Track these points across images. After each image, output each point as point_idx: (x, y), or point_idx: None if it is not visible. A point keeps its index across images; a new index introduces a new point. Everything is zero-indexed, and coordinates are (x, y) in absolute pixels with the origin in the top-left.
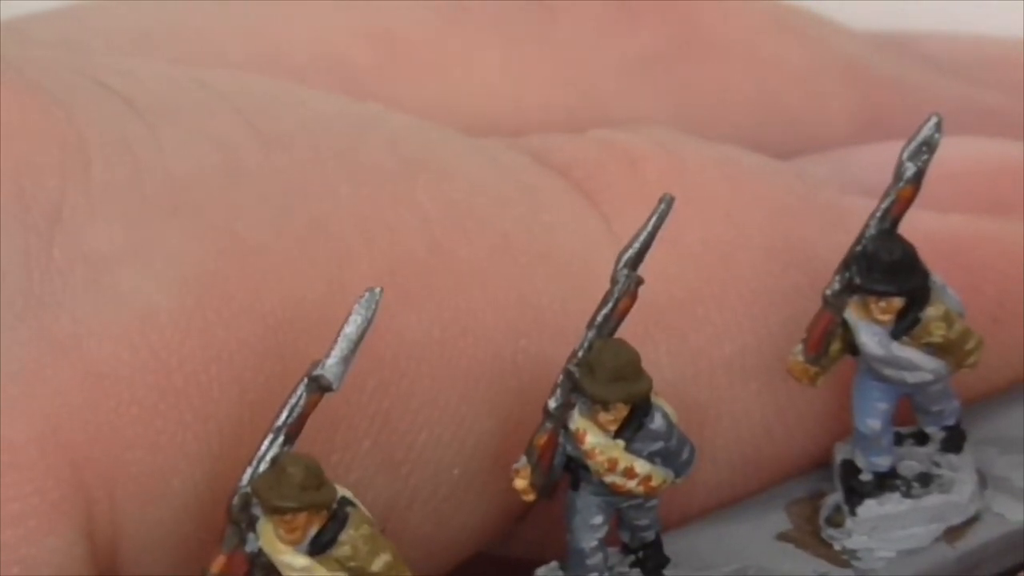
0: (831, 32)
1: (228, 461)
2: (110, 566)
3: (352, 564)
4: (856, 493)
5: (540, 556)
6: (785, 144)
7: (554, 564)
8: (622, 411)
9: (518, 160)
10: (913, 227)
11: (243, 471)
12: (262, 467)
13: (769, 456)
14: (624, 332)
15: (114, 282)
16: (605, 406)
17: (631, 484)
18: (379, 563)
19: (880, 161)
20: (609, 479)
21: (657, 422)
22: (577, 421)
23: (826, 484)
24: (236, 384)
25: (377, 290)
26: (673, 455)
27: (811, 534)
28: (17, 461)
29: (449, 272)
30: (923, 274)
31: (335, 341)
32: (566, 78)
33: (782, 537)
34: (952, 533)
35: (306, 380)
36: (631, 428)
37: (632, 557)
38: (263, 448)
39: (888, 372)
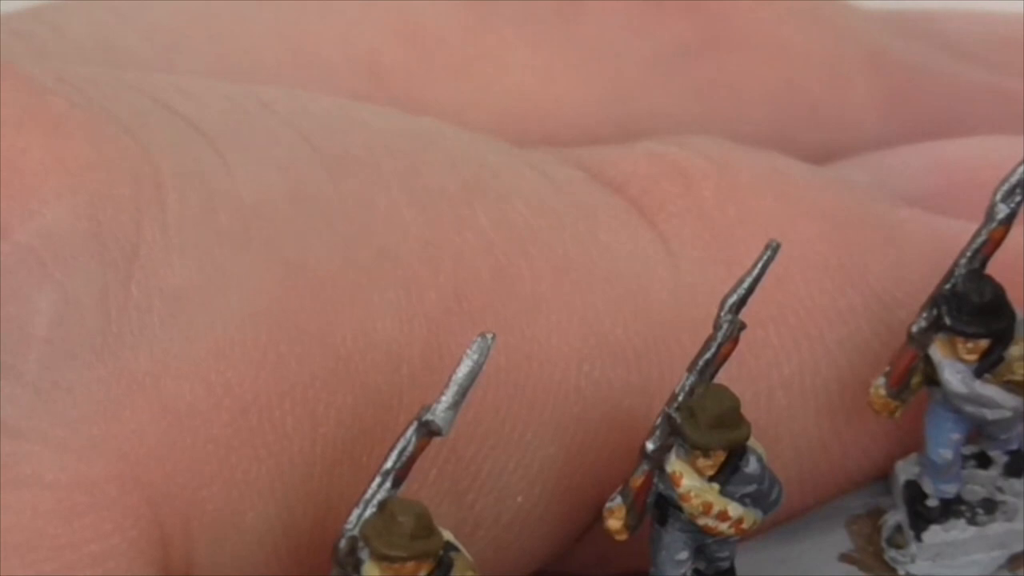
0: (854, 20)
1: (300, 494)
2: None
3: None
4: (922, 518)
5: (598, 572)
6: (812, 132)
7: None
8: (720, 457)
9: (573, 176)
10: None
11: (318, 505)
12: (369, 510)
13: (826, 473)
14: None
15: (189, 317)
16: (705, 452)
17: (723, 526)
18: None
19: (919, 166)
20: (703, 521)
21: (752, 466)
22: (674, 464)
23: (884, 499)
24: (308, 418)
25: (489, 336)
26: (764, 496)
27: (873, 555)
28: (97, 501)
29: (513, 297)
30: (1011, 315)
31: (446, 386)
32: (595, 75)
33: (845, 558)
34: (1015, 561)
35: (416, 424)
36: (727, 472)
37: None
38: (371, 491)
39: (969, 409)
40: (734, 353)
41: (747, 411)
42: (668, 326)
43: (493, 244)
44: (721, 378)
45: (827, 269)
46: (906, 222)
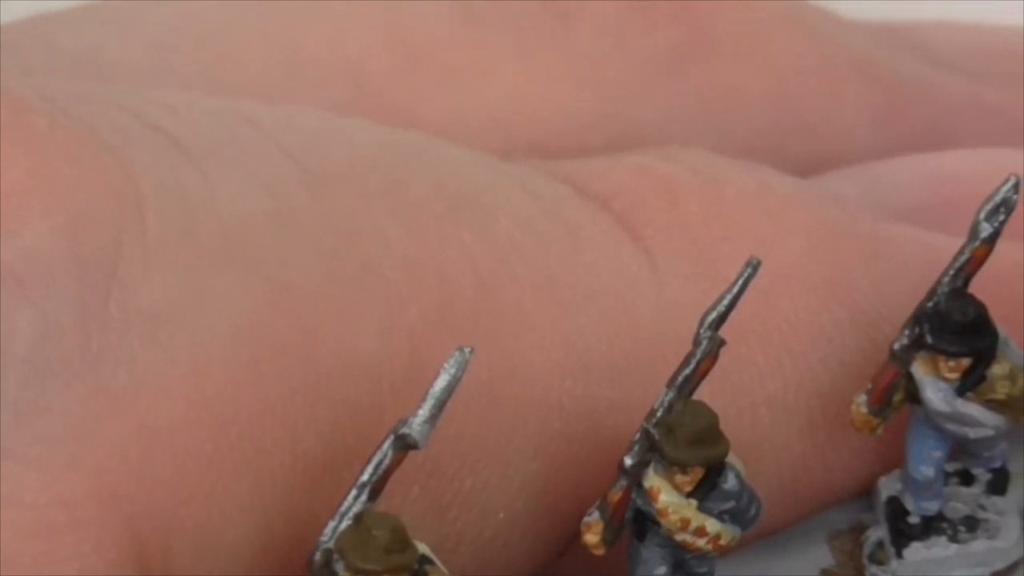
0: (843, 29)
1: (280, 510)
2: None
3: None
4: (903, 535)
5: None
6: (801, 140)
7: None
8: (698, 473)
9: (558, 191)
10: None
11: (298, 521)
12: (344, 523)
13: (807, 490)
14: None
15: (169, 335)
16: (683, 468)
17: (701, 542)
18: None
19: (906, 179)
20: (680, 537)
21: (730, 482)
22: (652, 479)
23: (866, 515)
24: (288, 435)
25: (467, 350)
26: (742, 512)
27: (854, 570)
28: (75, 520)
29: (496, 314)
30: (993, 334)
31: (423, 399)
32: (583, 81)
33: (826, 574)
34: None
35: (392, 437)
36: (705, 488)
37: None
38: (347, 504)
39: (950, 427)
40: (718, 369)
41: (730, 427)
42: (652, 343)
43: (476, 260)
44: (704, 394)
45: (812, 286)
46: (893, 238)
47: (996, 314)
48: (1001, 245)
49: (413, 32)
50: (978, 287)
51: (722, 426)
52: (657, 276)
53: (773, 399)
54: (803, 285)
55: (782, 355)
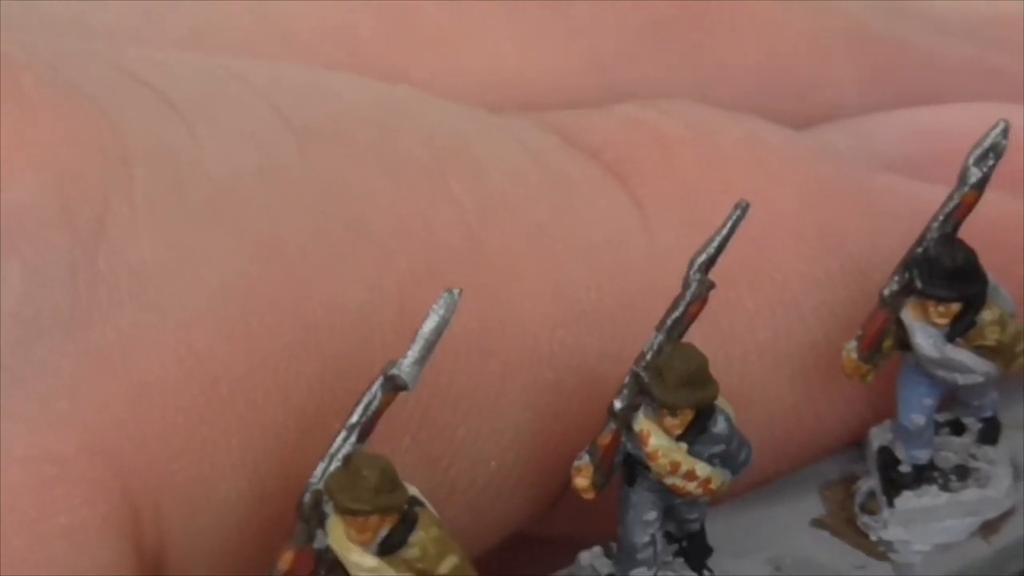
0: None
1: (271, 465)
2: (157, 571)
3: (420, 566)
4: (895, 484)
5: (573, 535)
6: (793, 106)
7: (597, 550)
8: (688, 416)
9: (549, 142)
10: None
11: (289, 475)
12: (334, 464)
13: (799, 439)
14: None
15: (158, 292)
16: (672, 411)
17: (691, 486)
18: (447, 565)
19: (899, 132)
20: (670, 481)
21: (720, 426)
22: (641, 423)
23: (857, 466)
24: (278, 389)
25: (456, 291)
26: (732, 456)
27: (846, 521)
28: (66, 474)
29: (486, 265)
30: (983, 280)
31: (412, 340)
32: (575, 44)
33: (817, 523)
34: (988, 527)
35: (382, 379)
36: (694, 431)
37: (676, 546)
38: (336, 445)
39: (940, 373)
40: (708, 317)
41: (720, 374)
42: (643, 292)
43: (465, 212)
44: (695, 341)
45: (804, 235)
46: (884, 188)
47: (987, 263)
48: (990, 194)
49: None
50: (968, 235)
51: (712, 373)
52: (648, 225)
53: (764, 347)
54: (795, 234)
55: (773, 303)
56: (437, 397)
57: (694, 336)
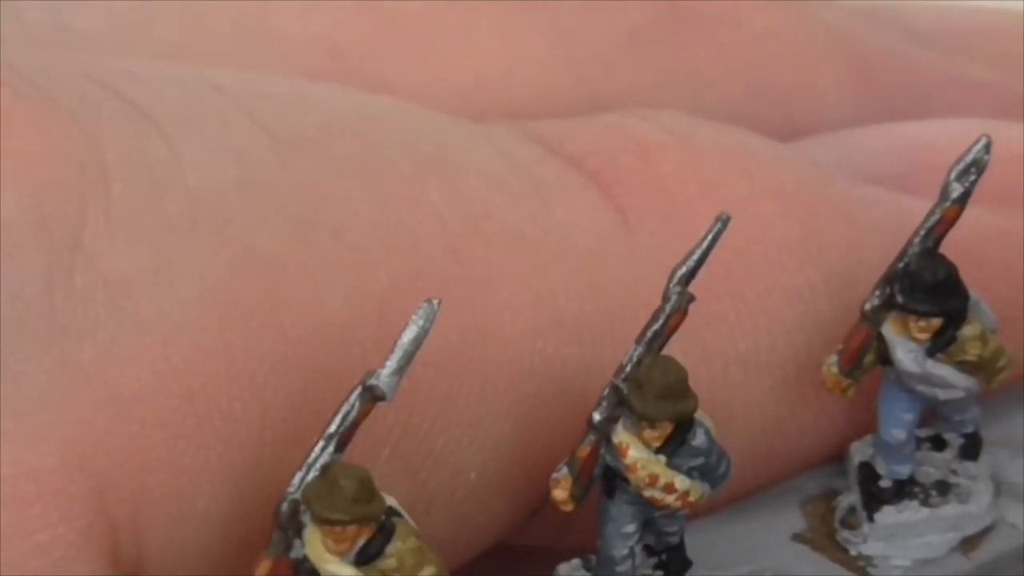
0: (819, 4)
1: (250, 478)
2: None
3: None
4: (875, 499)
5: (553, 546)
6: (778, 115)
7: (576, 562)
8: (667, 428)
9: (531, 151)
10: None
11: (268, 488)
12: (312, 474)
13: (781, 453)
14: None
15: (135, 305)
16: (651, 423)
17: (669, 499)
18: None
19: (883, 146)
20: (648, 493)
21: (699, 439)
22: (620, 435)
23: (839, 481)
24: (257, 402)
25: (435, 302)
26: (711, 469)
27: (826, 536)
28: (43, 490)
29: (466, 275)
30: (964, 295)
31: (391, 351)
32: (559, 51)
33: (797, 538)
34: (968, 543)
35: (360, 389)
36: (673, 444)
37: (655, 559)
38: (314, 455)
39: (921, 388)
40: (689, 328)
41: (701, 387)
42: (624, 302)
43: (446, 222)
44: (675, 352)
45: (787, 247)
46: (867, 201)
47: (969, 279)
48: (970, 211)
49: (388, 2)
50: (950, 251)
51: (693, 385)
52: (630, 234)
53: (745, 359)
54: (777, 246)
55: (755, 315)
56: (417, 408)
57: (675, 348)
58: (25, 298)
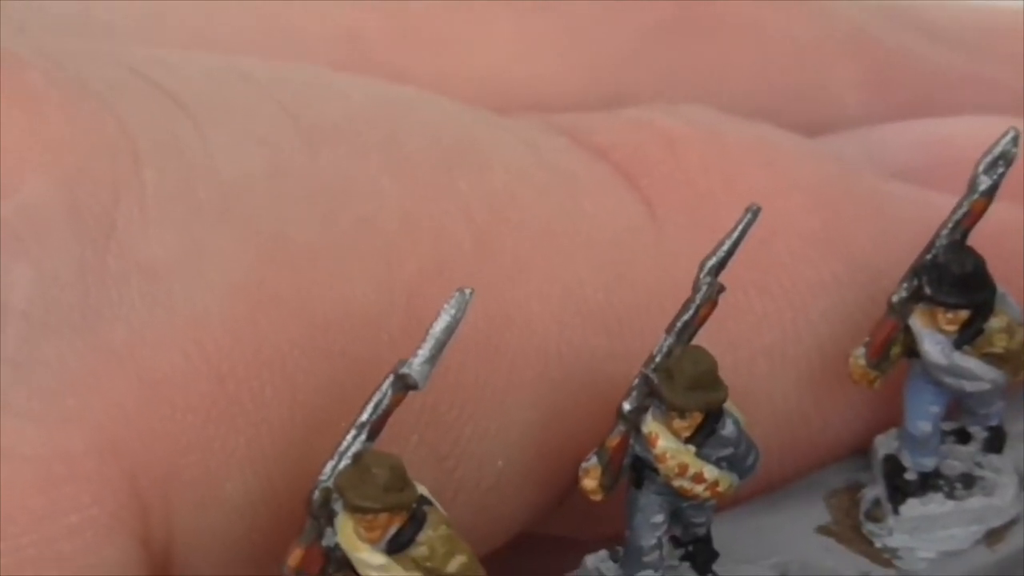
0: (835, 3)
1: (279, 462)
2: (164, 569)
3: (428, 564)
4: (900, 491)
5: (580, 536)
6: (794, 112)
7: (603, 553)
8: (697, 418)
9: (556, 143)
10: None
11: (297, 473)
12: (344, 462)
13: (806, 444)
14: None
15: (167, 290)
16: (681, 413)
17: (698, 488)
18: (455, 564)
19: (908, 141)
20: (678, 483)
21: (728, 429)
22: (650, 425)
23: (863, 474)
24: (287, 386)
25: (467, 291)
26: (740, 460)
27: (851, 528)
28: (75, 472)
29: (494, 264)
30: (991, 287)
31: (423, 340)
32: (577, 48)
33: (822, 531)
34: (992, 536)
35: (392, 377)
36: (703, 434)
37: (682, 551)
38: (346, 443)
39: (948, 380)
40: (715, 318)
41: (727, 377)
42: (651, 292)
43: (473, 212)
44: (702, 343)
45: (812, 239)
46: (892, 194)
47: (994, 272)
48: (998, 204)
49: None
50: (976, 243)
51: (719, 375)
52: (656, 225)
53: (771, 350)
54: (803, 238)
55: (781, 306)
56: (445, 396)
57: (701, 339)
58: (59, 282)
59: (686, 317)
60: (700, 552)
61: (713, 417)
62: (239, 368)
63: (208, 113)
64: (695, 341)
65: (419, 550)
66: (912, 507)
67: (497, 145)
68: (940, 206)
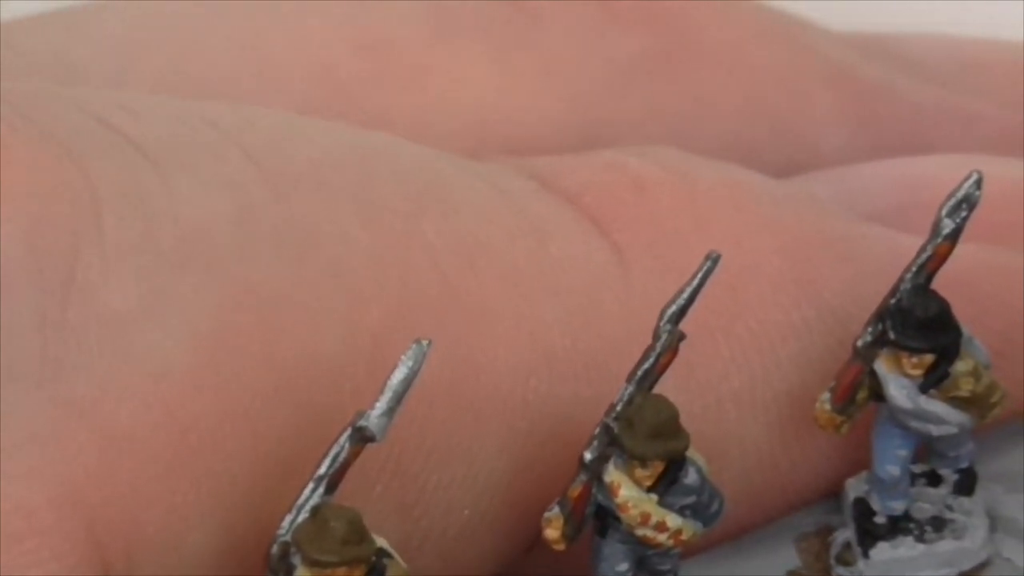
0: (816, 36)
1: (243, 514)
2: None
3: None
4: (870, 535)
5: None
6: (773, 148)
7: None
8: (659, 467)
9: (525, 187)
10: None
11: (260, 524)
12: (302, 516)
13: (775, 489)
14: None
15: (128, 341)
16: (643, 462)
17: (662, 537)
18: None
19: (882, 182)
20: (640, 532)
21: (691, 477)
22: (612, 474)
23: (833, 517)
24: (250, 437)
25: (424, 342)
26: (704, 507)
27: (821, 572)
28: (35, 526)
29: (460, 310)
30: (956, 331)
31: (381, 392)
32: (555, 83)
33: (792, 575)
34: None
35: (350, 430)
36: (665, 482)
37: None
38: (304, 496)
39: (914, 424)
40: (683, 364)
41: (695, 423)
42: (619, 338)
43: (440, 258)
44: (669, 388)
45: (782, 283)
46: (864, 237)
47: (961, 316)
48: (963, 247)
49: (383, 34)
50: (941, 287)
51: (687, 422)
52: (625, 271)
53: (739, 395)
54: (772, 282)
55: (749, 351)
56: (410, 445)
57: (668, 383)
58: (18, 334)
59: (647, 365)
60: None
61: (675, 465)
62: (201, 419)
63: (171, 160)
64: (661, 386)
65: None
66: (882, 551)
67: (465, 190)
68: (911, 249)
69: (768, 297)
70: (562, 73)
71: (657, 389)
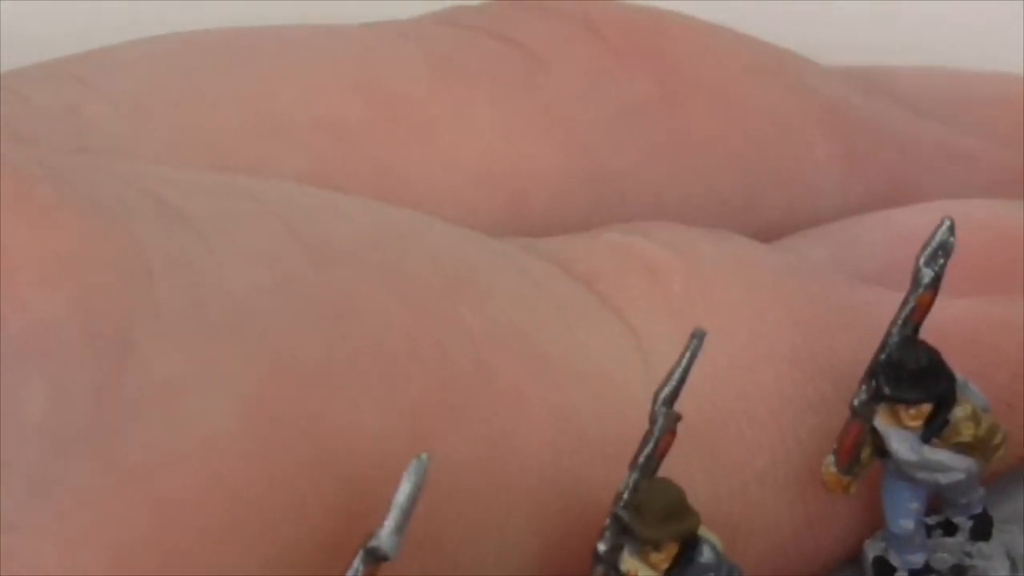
0: (814, 75)
1: None
2: None
3: None
4: None
5: None
6: (773, 190)
7: None
8: (673, 549)
9: (548, 271)
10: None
11: None
12: None
13: (798, 563)
14: None
15: (180, 408)
16: (656, 546)
17: None
18: None
19: (880, 238)
20: None
21: (706, 555)
22: (627, 562)
23: None
24: (295, 508)
25: (424, 456)
26: None
27: None
28: None
29: (494, 391)
30: (950, 377)
31: (388, 510)
32: (557, 130)
33: None
34: None
35: (362, 553)
36: (681, 563)
37: None
38: None
39: (921, 475)
40: (708, 447)
41: (723, 505)
42: (641, 420)
43: (475, 338)
44: (697, 474)
45: (797, 359)
46: (867, 302)
47: (968, 371)
48: (965, 302)
49: (389, 87)
50: (946, 344)
51: (715, 505)
52: (643, 355)
53: (763, 476)
54: (787, 359)
55: (771, 432)
56: (446, 526)
57: (694, 466)
58: (73, 400)
59: (647, 450)
60: None
61: (689, 545)
62: (249, 488)
63: (215, 229)
64: (685, 475)
65: None
66: None
67: (496, 273)
68: None
69: (784, 375)
70: (564, 118)
71: (683, 476)
